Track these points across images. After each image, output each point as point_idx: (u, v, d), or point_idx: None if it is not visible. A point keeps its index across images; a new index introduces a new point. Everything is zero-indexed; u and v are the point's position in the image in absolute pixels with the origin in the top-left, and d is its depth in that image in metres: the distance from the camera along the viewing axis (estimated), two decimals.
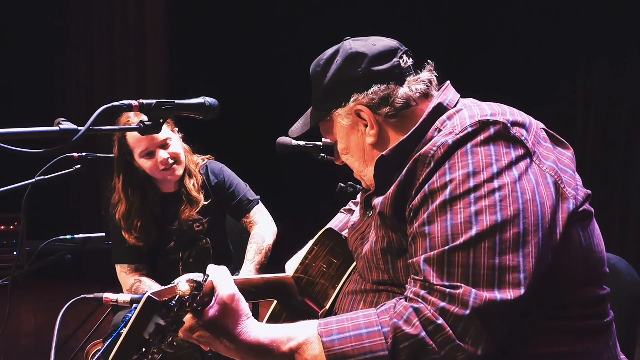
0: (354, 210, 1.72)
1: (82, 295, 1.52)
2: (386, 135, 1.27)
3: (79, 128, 1.17)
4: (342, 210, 1.80)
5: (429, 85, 1.27)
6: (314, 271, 1.47)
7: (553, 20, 5.25)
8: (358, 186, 2.16)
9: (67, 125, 1.17)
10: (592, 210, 1.16)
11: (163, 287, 1.03)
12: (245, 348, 1.08)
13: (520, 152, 1.07)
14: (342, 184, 2.24)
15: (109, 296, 1.49)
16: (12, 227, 5.22)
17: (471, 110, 1.14)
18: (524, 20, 5.43)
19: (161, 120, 1.30)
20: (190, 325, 1.08)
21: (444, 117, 1.19)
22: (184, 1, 5.76)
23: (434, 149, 1.09)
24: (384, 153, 1.24)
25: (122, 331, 1.02)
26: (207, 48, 5.95)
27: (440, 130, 1.16)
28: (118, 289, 2.61)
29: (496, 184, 1.03)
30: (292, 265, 1.55)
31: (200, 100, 1.41)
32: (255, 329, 1.09)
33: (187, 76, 5.78)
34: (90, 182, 5.43)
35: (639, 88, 4.93)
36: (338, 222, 1.72)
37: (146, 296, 0.98)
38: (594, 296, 1.14)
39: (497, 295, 0.98)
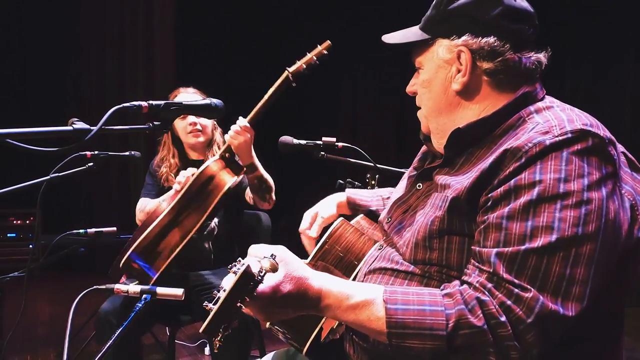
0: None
1: (95, 287, 1.52)
2: (473, 90, 1.17)
3: (91, 127, 1.17)
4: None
5: (537, 67, 1.17)
6: (330, 258, 1.43)
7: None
8: (356, 182, 2.14)
9: (80, 125, 1.17)
10: None
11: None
12: (312, 304, 1.05)
13: (610, 170, 1.02)
14: (341, 181, 2.22)
15: (119, 287, 1.49)
16: (27, 222, 5.22)
17: (567, 113, 1.08)
18: None
19: (169, 120, 1.31)
20: (261, 304, 1.02)
21: (531, 108, 1.13)
22: (191, 5, 5.74)
23: (529, 144, 1.02)
24: (460, 126, 1.16)
25: (212, 306, 0.97)
26: (213, 50, 5.93)
27: (524, 120, 1.10)
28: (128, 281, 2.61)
29: (585, 196, 0.98)
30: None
31: (207, 101, 1.41)
32: (322, 281, 1.06)
33: (193, 77, 5.76)
34: (102, 179, 5.43)
35: (622, 91, 4.92)
36: (374, 200, 1.60)
37: (244, 267, 0.95)
38: (622, 300, 1.15)
39: (561, 309, 0.96)
